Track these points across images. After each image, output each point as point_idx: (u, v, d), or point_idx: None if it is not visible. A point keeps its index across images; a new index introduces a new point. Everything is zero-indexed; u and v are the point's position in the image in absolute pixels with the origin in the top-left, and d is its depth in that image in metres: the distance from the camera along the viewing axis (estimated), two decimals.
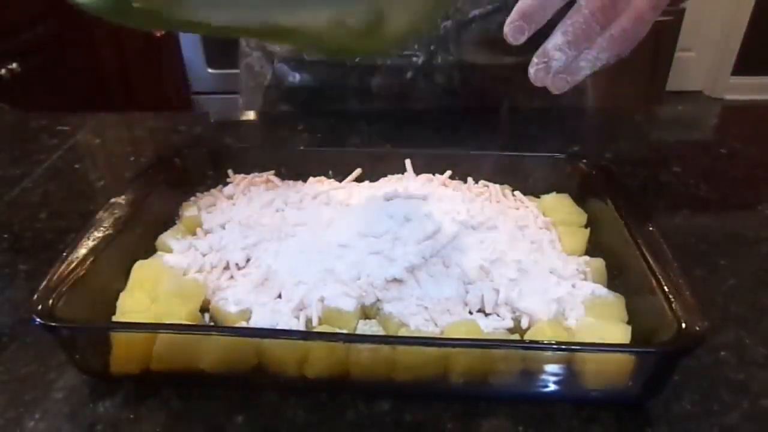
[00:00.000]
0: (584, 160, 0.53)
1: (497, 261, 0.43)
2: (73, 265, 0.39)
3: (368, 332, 0.40)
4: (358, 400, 0.37)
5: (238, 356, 0.37)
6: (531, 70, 0.43)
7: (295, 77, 0.78)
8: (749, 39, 2.77)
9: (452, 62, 0.72)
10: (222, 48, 2.11)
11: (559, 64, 0.42)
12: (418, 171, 0.55)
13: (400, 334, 0.39)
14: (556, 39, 0.42)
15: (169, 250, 0.47)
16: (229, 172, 0.56)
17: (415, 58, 0.72)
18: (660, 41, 2.34)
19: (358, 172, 0.55)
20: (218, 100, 2.18)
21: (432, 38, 0.71)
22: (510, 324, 0.40)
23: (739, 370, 0.39)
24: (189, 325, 0.39)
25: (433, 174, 0.54)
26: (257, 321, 0.40)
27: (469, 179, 0.54)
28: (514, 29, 0.41)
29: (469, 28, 0.70)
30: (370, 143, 0.70)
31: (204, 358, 0.37)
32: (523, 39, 0.42)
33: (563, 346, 0.35)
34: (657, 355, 0.35)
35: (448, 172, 0.54)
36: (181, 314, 0.40)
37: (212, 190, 0.55)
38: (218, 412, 0.37)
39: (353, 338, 0.37)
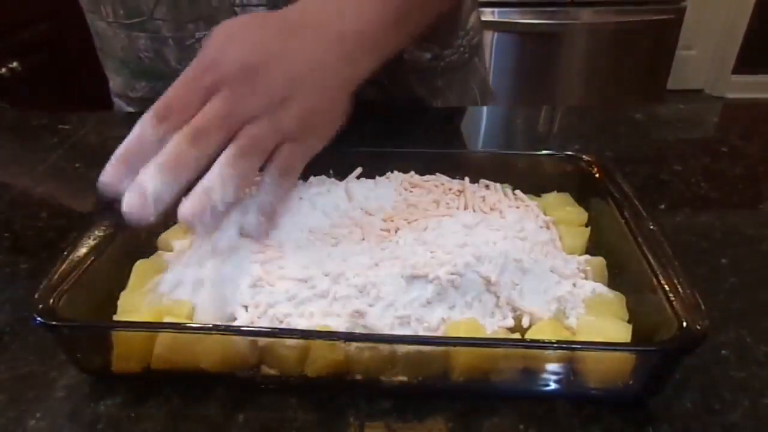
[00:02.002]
0: (585, 159, 0.53)
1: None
2: (74, 263, 0.39)
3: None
4: (359, 399, 0.37)
5: (239, 355, 0.37)
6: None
7: (130, 110, 0.80)
8: (750, 37, 2.76)
9: None
10: None
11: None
12: (418, 171, 0.55)
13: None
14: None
15: (170, 249, 0.47)
16: None
17: None
18: (661, 40, 2.34)
19: (358, 171, 0.55)
20: None
21: None
22: (511, 323, 0.40)
23: (740, 368, 0.39)
24: (190, 325, 0.39)
25: (434, 173, 0.54)
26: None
27: (467, 179, 0.54)
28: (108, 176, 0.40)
29: None
30: (371, 143, 0.69)
31: (205, 358, 0.37)
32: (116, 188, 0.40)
33: (564, 345, 0.35)
34: (658, 354, 0.35)
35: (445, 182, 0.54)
36: (182, 313, 0.40)
37: None
38: (218, 412, 0.37)
39: (354, 337, 0.37)
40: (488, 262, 0.42)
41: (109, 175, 0.40)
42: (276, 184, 0.43)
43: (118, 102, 0.82)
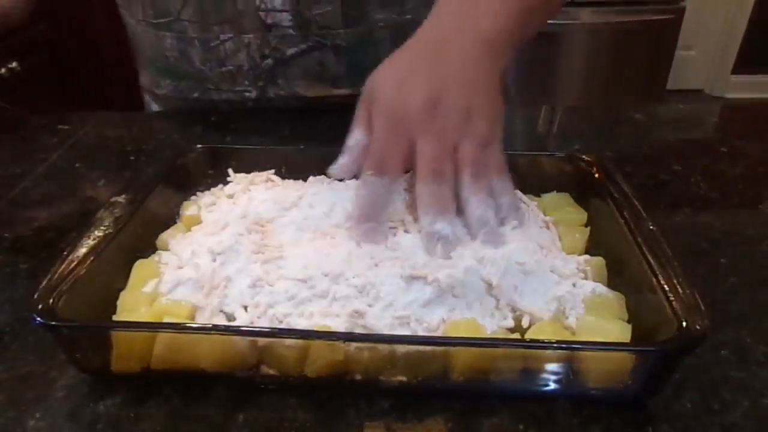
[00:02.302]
0: (585, 159, 0.53)
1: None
2: (73, 264, 0.39)
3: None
4: (359, 399, 0.37)
5: (238, 355, 0.37)
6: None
7: (155, 107, 0.82)
8: (749, 37, 2.77)
9: (285, 95, 0.74)
10: None
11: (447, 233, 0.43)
12: None
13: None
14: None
15: (169, 249, 0.47)
16: (229, 171, 0.56)
17: (247, 93, 0.74)
18: (660, 40, 2.34)
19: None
20: None
21: (257, 75, 0.72)
22: (511, 323, 0.40)
23: (739, 368, 0.39)
24: (189, 325, 0.39)
25: None
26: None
27: None
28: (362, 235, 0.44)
29: (290, 64, 0.71)
30: None
31: (204, 358, 0.37)
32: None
33: (564, 345, 0.35)
34: (657, 354, 0.35)
35: None
36: (181, 313, 0.40)
37: (212, 189, 0.55)
38: (218, 412, 0.37)
39: (353, 337, 0.37)
40: (491, 265, 0.42)
41: (362, 235, 0.44)
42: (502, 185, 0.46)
43: (146, 98, 0.83)
